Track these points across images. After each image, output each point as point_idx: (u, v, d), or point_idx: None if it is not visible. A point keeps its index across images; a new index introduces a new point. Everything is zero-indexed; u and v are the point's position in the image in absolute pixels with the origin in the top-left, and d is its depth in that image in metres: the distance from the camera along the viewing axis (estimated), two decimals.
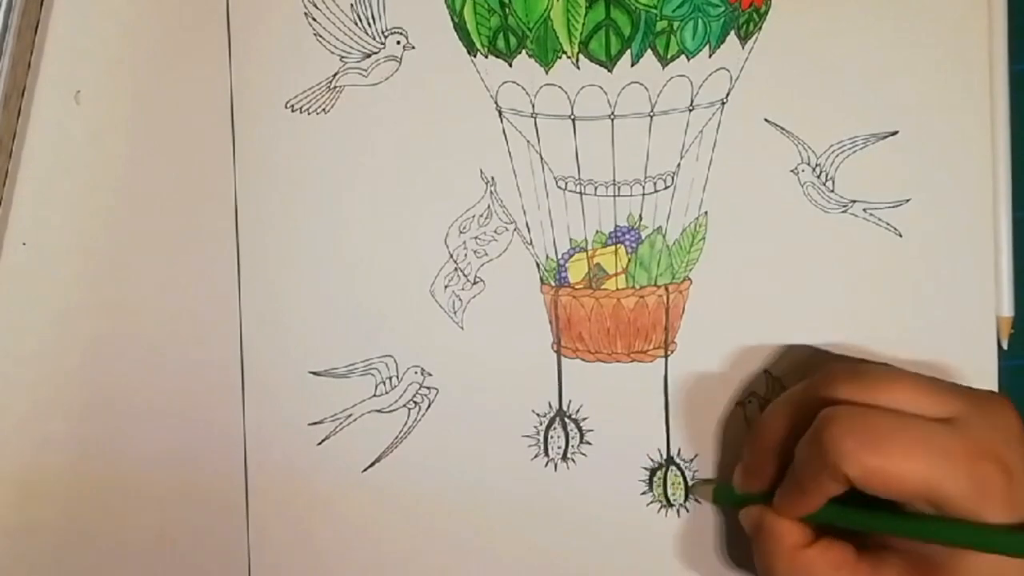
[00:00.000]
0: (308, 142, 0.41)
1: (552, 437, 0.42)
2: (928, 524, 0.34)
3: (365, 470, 0.41)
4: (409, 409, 0.41)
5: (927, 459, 0.33)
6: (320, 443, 0.41)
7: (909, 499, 0.34)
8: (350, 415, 0.41)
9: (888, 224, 0.41)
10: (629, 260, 0.42)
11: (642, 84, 0.41)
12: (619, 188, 0.41)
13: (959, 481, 0.33)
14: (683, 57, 0.41)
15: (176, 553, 0.41)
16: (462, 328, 0.41)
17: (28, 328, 0.41)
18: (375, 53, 0.41)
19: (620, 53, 0.41)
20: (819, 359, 0.41)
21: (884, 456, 0.33)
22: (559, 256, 0.42)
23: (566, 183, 0.41)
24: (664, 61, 0.41)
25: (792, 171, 0.41)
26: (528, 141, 0.41)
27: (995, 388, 0.41)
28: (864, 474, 0.33)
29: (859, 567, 0.36)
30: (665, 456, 0.42)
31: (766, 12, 0.41)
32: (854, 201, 0.41)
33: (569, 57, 0.41)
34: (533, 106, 0.41)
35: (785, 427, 0.37)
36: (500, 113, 0.41)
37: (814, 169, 0.41)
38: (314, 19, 0.41)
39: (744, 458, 0.39)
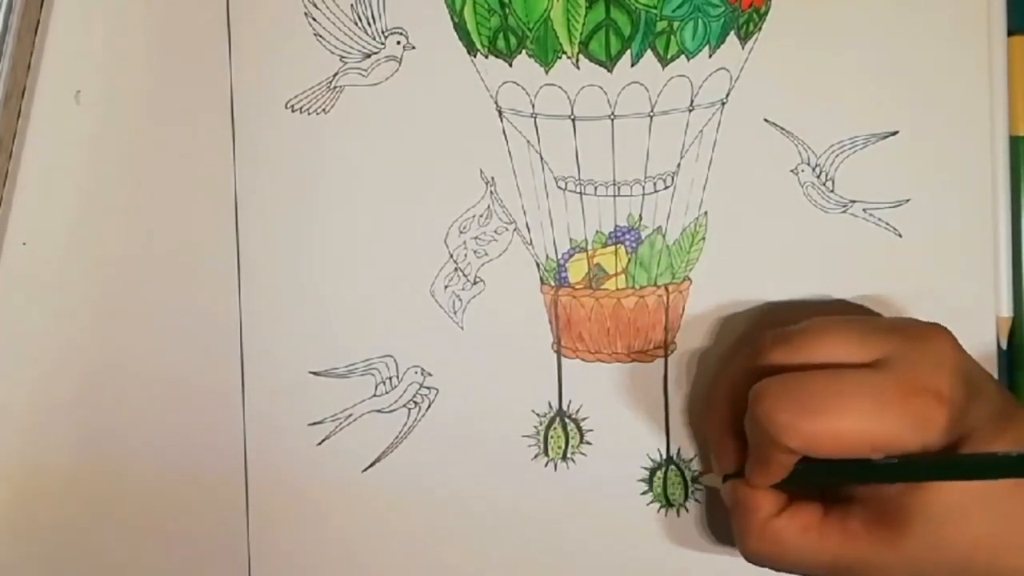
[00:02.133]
0: (308, 142, 0.41)
1: (552, 437, 0.42)
2: (882, 467, 0.34)
3: (365, 470, 0.42)
4: (409, 409, 0.41)
5: (861, 412, 0.33)
6: (320, 443, 0.41)
7: (856, 453, 0.34)
8: (350, 415, 0.41)
9: (888, 224, 0.41)
10: (629, 260, 0.42)
11: (642, 84, 0.41)
12: (619, 188, 0.41)
13: (897, 422, 0.33)
14: (683, 57, 0.41)
15: (176, 553, 0.41)
16: (462, 328, 0.41)
17: (28, 328, 0.41)
18: (375, 53, 0.41)
19: (620, 53, 0.41)
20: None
21: (819, 420, 0.33)
22: (559, 256, 0.42)
23: (566, 183, 0.41)
24: (664, 61, 0.41)
25: (792, 171, 0.41)
26: (528, 141, 0.41)
27: None
28: (805, 443, 0.33)
29: (826, 524, 0.36)
30: (665, 456, 0.42)
31: (766, 12, 0.41)
32: (854, 201, 0.41)
33: (569, 57, 0.41)
34: (533, 106, 0.41)
35: (729, 406, 0.37)
36: (500, 113, 0.41)
37: (814, 169, 0.41)
38: (314, 19, 0.41)
39: (711, 443, 0.39)
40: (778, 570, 0.37)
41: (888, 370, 0.34)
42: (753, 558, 0.37)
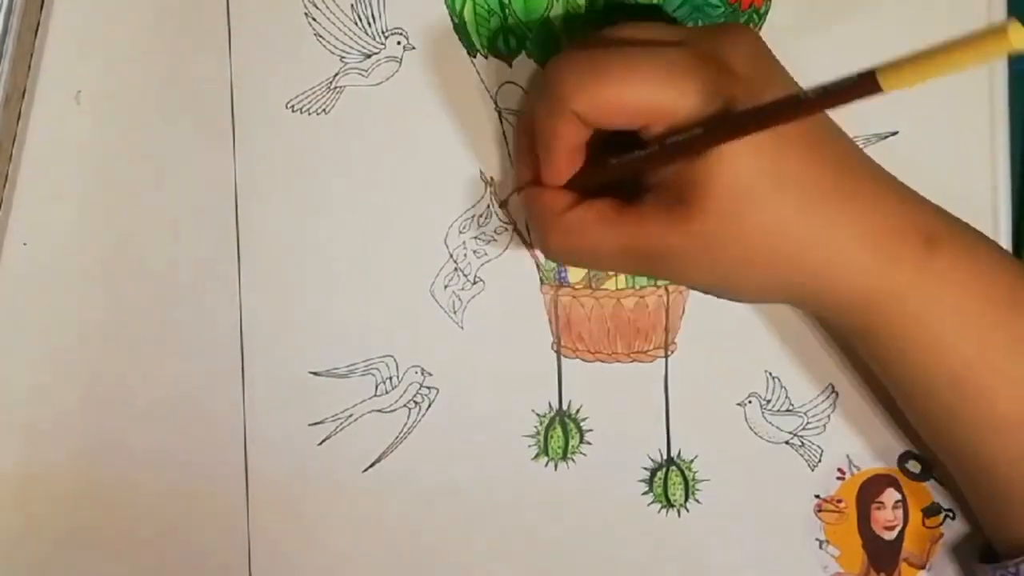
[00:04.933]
0: (308, 142, 0.41)
1: (552, 437, 0.42)
2: (673, 141, 0.33)
3: (365, 470, 0.42)
4: (409, 409, 0.41)
5: (649, 75, 0.32)
6: (320, 443, 0.41)
7: (642, 123, 0.33)
8: (350, 415, 0.41)
9: None
10: None
11: None
12: None
13: (683, 88, 0.32)
14: None
15: (176, 553, 0.41)
16: (462, 328, 0.41)
17: (28, 328, 0.41)
18: (375, 53, 0.41)
19: None
20: None
21: (607, 83, 0.32)
22: None
23: None
24: None
25: None
26: None
27: None
28: (591, 107, 0.33)
29: (622, 213, 0.35)
30: (665, 456, 0.42)
31: (766, 12, 0.41)
32: None
33: None
34: None
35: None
36: (500, 113, 0.41)
37: None
38: (314, 19, 0.41)
39: (512, 150, 0.39)
40: (583, 265, 0.37)
41: (683, 45, 0.33)
42: (556, 254, 0.37)
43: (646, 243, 0.34)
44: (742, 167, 0.32)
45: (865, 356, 0.38)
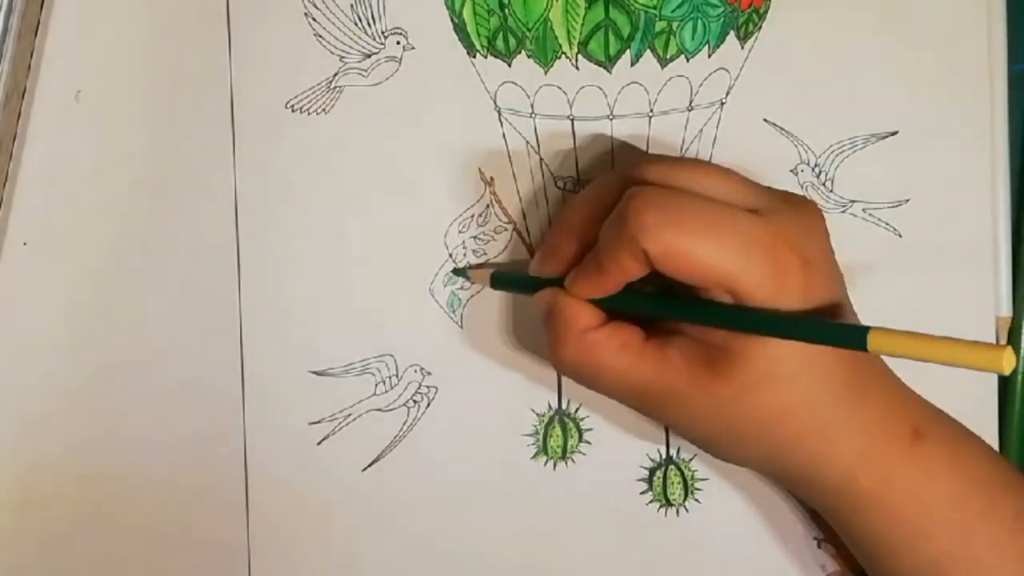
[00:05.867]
0: (308, 142, 0.41)
1: (551, 436, 0.42)
2: (722, 311, 0.33)
3: (365, 469, 0.42)
4: (408, 408, 0.41)
5: (729, 242, 0.32)
6: (320, 442, 0.41)
7: (706, 284, 0.33)
8: (350, 414, 0.41)
9: (888, 224, 0.41)
10: None
11: (641, 84, 0.41)
12: None
13: (758, 267, 0.32)
14: (682, 57, 0.41)
15: (176, 553, 0.41)
16: (461, 327, 0.41)
17: (28, 328, 0.41)
18: (375, 53, 0.41)
19: (619, 53, 0.41)
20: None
21: (686, 235, 0.32)
22: None
23: (565, 183, 0.41)
24: (663, 61, 0.41)
25: (792, 171, 0.41)
26: (527, 141, 0.41)
27: (995, 389, 0.41)
28: (664, 252, 0.32)
29: (645, 348, 0.35)
30: (665, 456, 0.42)
31: (765, 12, 0.41)
32: (854, 201, 0.41)
33: (568, 58, 0.41)
34: (532, 106, 0.41)
35: (592, 209, 0.36)
36: (499, 113, 0.41)
37: (814, 169, 0.41)
38: (314, 19, 0.41)
39: (546, 240, 0.38)
40: (588, 385, 0.37)
41: (762, 218, 0.33)
42: (566, 367, 0.36)
43: (663, 388, 0.35)
44: (778, 352, 0.33)
45: (842, 535, 0.38)
